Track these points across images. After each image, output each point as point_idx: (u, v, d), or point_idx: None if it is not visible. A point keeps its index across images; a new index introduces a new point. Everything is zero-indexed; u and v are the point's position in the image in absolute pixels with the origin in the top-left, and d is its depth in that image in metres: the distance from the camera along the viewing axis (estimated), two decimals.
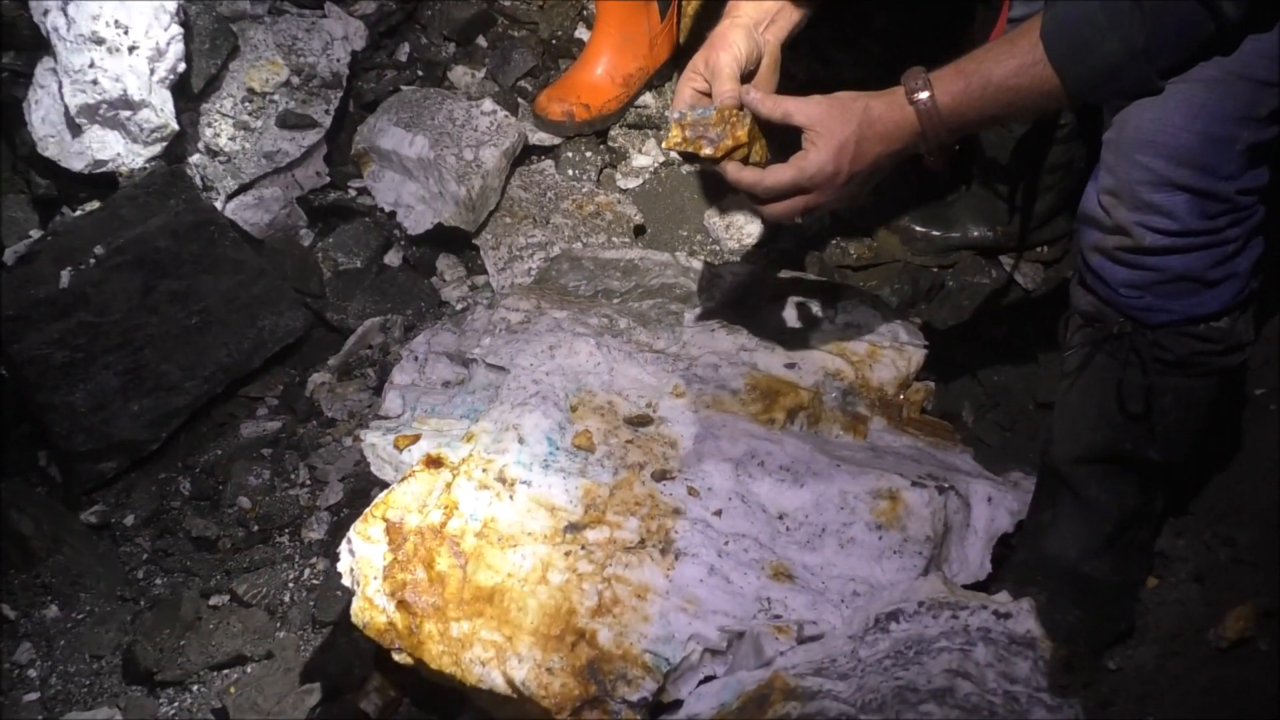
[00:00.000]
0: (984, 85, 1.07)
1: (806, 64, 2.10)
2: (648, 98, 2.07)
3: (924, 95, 1.08)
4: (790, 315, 1.53)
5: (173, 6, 1.88)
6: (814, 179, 1.12)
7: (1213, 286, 1.13)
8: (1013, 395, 1.68)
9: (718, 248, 1.90)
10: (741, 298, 1.59)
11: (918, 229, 1.83)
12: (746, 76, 1.20)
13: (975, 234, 1.81)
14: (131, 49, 1.82)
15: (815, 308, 1.53)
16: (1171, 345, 1.17)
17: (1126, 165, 1.10)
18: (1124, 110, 1.10)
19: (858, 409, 1.40)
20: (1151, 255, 1.11)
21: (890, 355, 1.45)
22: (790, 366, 1.42)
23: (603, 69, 1.97)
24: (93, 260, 1.69)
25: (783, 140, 1.19)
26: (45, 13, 1.83)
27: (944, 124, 1.09)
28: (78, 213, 1.81)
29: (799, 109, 1.11)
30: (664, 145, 1.80)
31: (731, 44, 1.18)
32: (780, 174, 1.13)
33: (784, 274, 1.64)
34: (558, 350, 1.45)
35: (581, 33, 2.15)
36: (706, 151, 1.15)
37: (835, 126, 1.10)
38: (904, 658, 1.03)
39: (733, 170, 1.16)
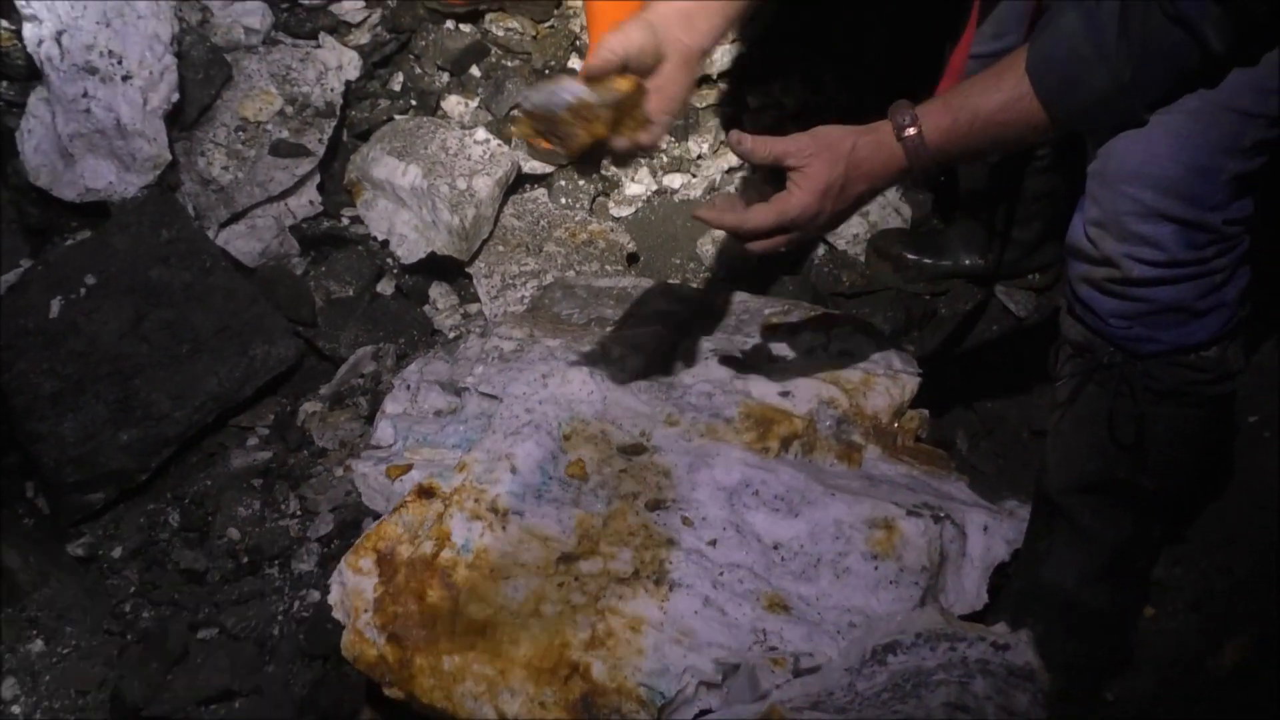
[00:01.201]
0: (971, 119, 1.07)
1: (799, 93, 2.12)
2: None
3: (911, 131, 1.08)
4: (784, 343, 1.53)
5: (167, 36, 1.89)
6: (795, 221, 1.12)
7: (1201, 316, 1.14)
8: (1007, 423, 1.68)
9: (711, 275, 1.90)
10: (735, 326, 1.59)
11: (909, 256, 1.84)
12: (641, 71, 1.15)
13: (967, 262, 1.82)
14: (125, 78, 1.82)
15: (809, 335, 1.53)
16: (1162, 375, 1.17)
17: (1113, 197, 1.10)
18: (1110, 142, 1.10)
19: (852, 437, 1.40)
20: (1140, 286, 1.11)
21: (884, 383, 1.44)
22: (784, 395, 1.42)
23: None
24: (83, 290, 1.68)
25: (767, 172, 1.18)
26: (39, 43, 1.83)
27: (931, 159, 1.09)
28: (69, 242, 1.80)
29: (787, 151, 1.11)
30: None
31: (624, 31, 1.14)
32: (762, 216, 1.12)
33: (777, 302, 1.64)
34: (551, 379, 1.44)
35: (574, 62, 2.16)
36: (557, 149, 1.10)
37: (821, 169, 1.10)
38: (902, 690, 1.02)
39: (713, 215, 1.15)
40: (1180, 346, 1.15)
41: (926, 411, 1.47)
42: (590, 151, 1.12)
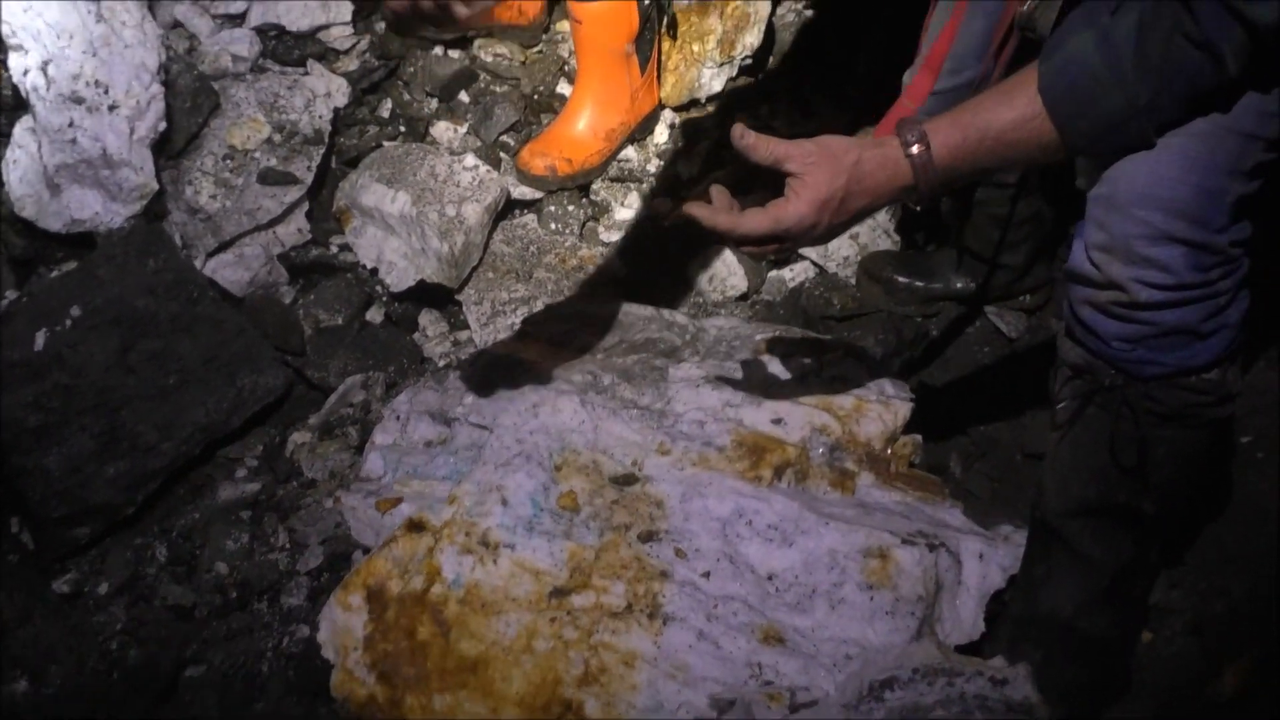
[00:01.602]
0: (980, 138, 1.05)
1: (789, 115, 2.13)
2: (630, 151, 2.08)
3: (919, 148, 1.06)
4: (775, 369, 1.52)
5: (154, 65, 1.88)
6: (790, 230, 1.09)
7: (1205, 339, 1.13)
8: (1000, 445, 1.67)
9: (701, 300, 1.90)
10: (726, 351, 1.58)
11: (900, 279, 1.84)
12: None
13: (958, 284, 1.82)
14: (112, 108, 1.81)
15: (800, 361, 1.52)
16: (1164, 397, 1.16)
17: (1121, 220, 1.09)
18: (1114, 166, 1.09)
19: (845, 464, 1.39)
20: (1146, 310, 1.11)
21: (876, 409, 1.44)
22: (776, 422, 1.41)
23: (584, 124, 1.98)
24: (69, 321, 1.66)
25: (768, 178, 1.15)
26: (25, 72, 1.83)
27: (938, 177, 1.07)
28: (55, 273, 1.79)
29: (790, 155, 1.08)
30: None
31: None
32: (756, 222, 1.09)
33: (768, 327, 1.64)
34: (541, 408, 1.43)
35: (563, 88, 2.17)
36: None
37: (822, 179, 1.07)
38: None
39: (706, 215, 1.11)
40: (1183, 369, 1.14)
41: (919, 437, 1.46)
42: None
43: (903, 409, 1.45)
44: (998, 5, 1.45)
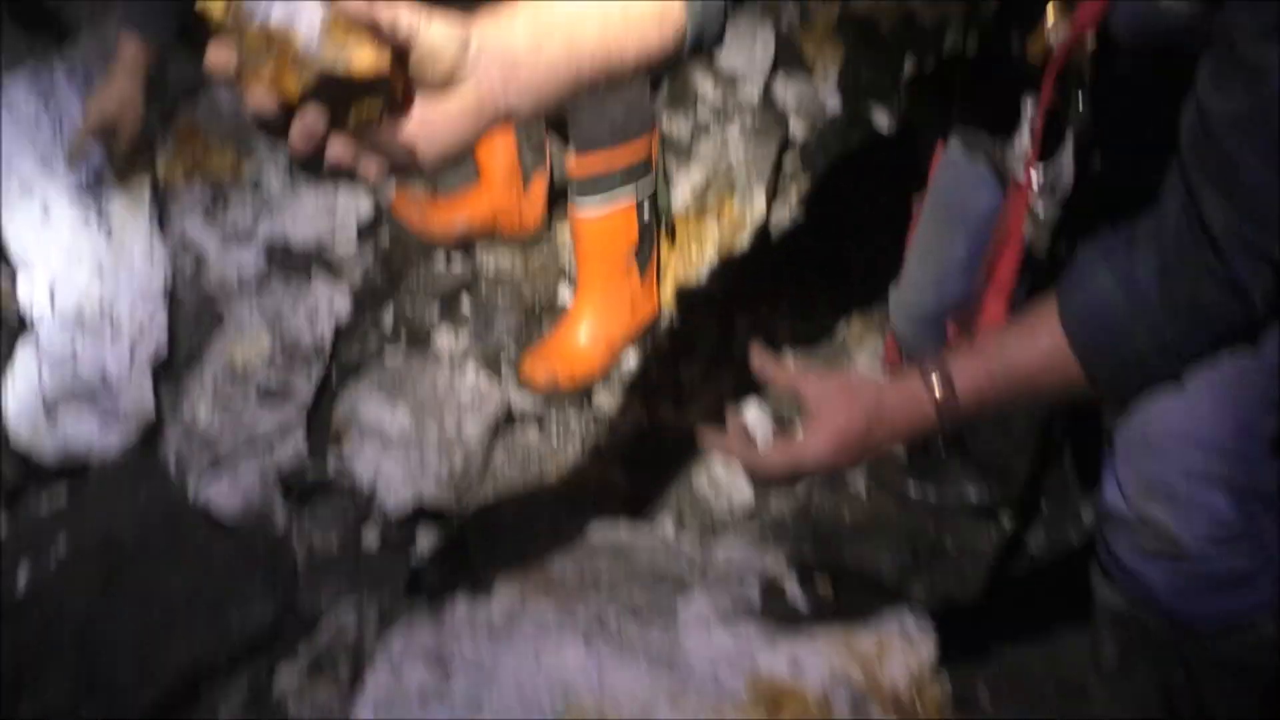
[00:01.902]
0: (1006, 377, 1.03)
1: (788, 317, 2.14)
2: (631, 356, 2.08)
3: (943, 390, 1.03)
4: (790, 601, 1.46)
5: (159, 287, 1.91)
6: (809, 470, 1.06)
7: (1255, 584, 1.07)
8: (1031, 674, 1.58)
9: (708, 511, 1.84)
10: (738, 579, 1.52)
11: (912, 489, 1.79)
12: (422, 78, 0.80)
13: (971, 493, 1.78)
14: (115, 331, 1.82)
15: (815, 592, 1.46)
16: (1217, 647, 1.09)
17: (1158, 461, 1.05)
18: (1145, 403, 1.05)
19: (870, 716, 1.30)
20: (1192, 554, 1.05)
21: (900, 648, 1.36)
22: (794, 668, 1.33)
23: (586, 334, 1.99)
24: (54, 557, 1.61)
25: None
26: (31, 294, 1.84)
27: (962, 415, 1.04)
28: (44, 501, 1.74)
29: (808, 388, 1.05)
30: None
31: (439, 21, 0.80)
32: (773, 463, 1.06)
33: (780, 551, 1.58)
34: (543, 653, 1.35)
35: (564, 291, 2.19)
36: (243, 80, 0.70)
37: (841, 418, 1.04)
38: None
39: (722, 449, 1.09)
40: (1235, 616, 1.08)
41: (948, 680, 1.37)
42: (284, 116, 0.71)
43: (926, 647, 1.37)
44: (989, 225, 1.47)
